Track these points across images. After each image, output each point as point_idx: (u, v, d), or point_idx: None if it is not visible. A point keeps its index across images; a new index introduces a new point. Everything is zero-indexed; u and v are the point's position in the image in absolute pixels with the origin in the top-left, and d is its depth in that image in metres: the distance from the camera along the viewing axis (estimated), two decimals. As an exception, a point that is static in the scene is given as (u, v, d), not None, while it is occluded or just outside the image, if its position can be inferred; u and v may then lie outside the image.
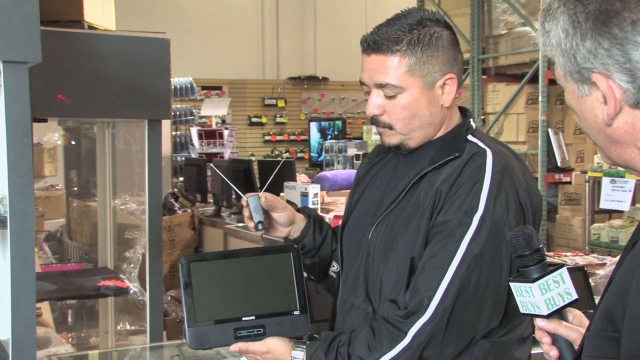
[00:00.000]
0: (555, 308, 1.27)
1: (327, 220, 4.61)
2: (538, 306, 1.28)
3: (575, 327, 1.31)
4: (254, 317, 1.69)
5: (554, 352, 1.30)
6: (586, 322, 1.32)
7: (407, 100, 1.68)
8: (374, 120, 1.74)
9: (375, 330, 1.60)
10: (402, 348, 1.56)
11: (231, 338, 1.68)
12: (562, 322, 1.30)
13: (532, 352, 1.79)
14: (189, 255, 1.73)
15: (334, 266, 1.90)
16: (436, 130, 1.73)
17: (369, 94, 1.73)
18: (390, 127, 1.71)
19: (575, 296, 1.29)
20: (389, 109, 1.69)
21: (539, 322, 1.30)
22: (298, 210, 1.96)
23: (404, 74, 1.67)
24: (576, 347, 1.28)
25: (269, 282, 1.74)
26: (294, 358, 1.65)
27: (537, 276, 1.26)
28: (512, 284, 1.31)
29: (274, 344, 1.67)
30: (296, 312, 1.71)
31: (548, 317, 1.28)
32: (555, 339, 1.30)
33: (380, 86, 1.69)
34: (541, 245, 1.29)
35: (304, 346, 1.65)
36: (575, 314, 1.34)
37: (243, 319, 1.69)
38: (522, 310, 1.31)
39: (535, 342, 1.48)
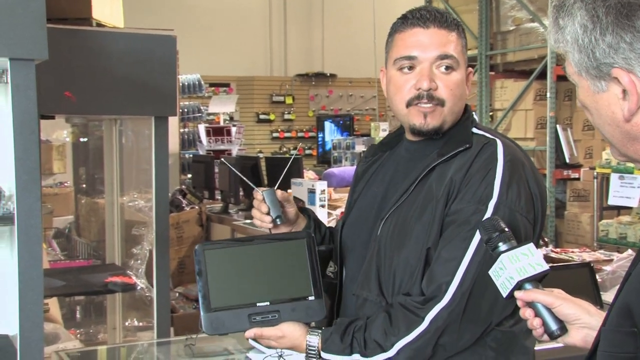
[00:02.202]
0: (527, 275, 1.37)
1: (333, 216, 4.63)
2: (512, 276, 1.38)
3: (550, 290, 1.37)
4: (268, 303, 1.69)
5: (537, 321, 1.36)
6: (567, 296, 1.39)
7: (460, 78, 1.72)
8: (426, 95, 1.68)
9: (392, 315, 1.61)
10: (419, 333, 1.57)
11: (246, 324, 1.68)
12: (537, 290, 1.36)
13: (536, 348, 1.80)
14: (203, 243, 1.75)
15: (331, 266, 1.90)
16: (456, 119, 1.74)
17: (410, 69, 1.69)
18: (442, 104, 1.70)
19: (546, 267, 1.38)
20: (444, 84, 1.69)
21: (517, 294, 1.38)
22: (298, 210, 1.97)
23: (460, 51, 1.72)
24: (553, 309, 1.36)
25: (283, 268, 1.74)
26: (309, 343, 1.65)
27: (505, 249, 1.40)
28: (490, 272, 1.42)
29: (289, 329, 1.67)
30: (311, 298, 1.72)
31: (522, 283, 1.37)
32: (536, 309, 1.37)
33: (443, 57, 1.68)
34: (507, 229, 1.43)
35: (319, 331, 1.66)
36: (554, 290, 1.39)
37: (257, 304, 1.69)
38: (503, 294, 1.39)
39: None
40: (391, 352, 1.58)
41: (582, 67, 1.12)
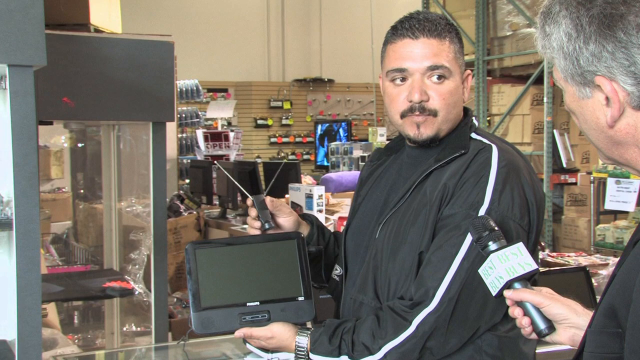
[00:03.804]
0: (516, 275, 1.39)
1: (331, 221, 4.63)
2: (501, 276, 1.39)
3: (538, 290, 1.40)
4: (258, 303, 1.71)
5: (525, 320, 1.39)
6: (556, 295, 1.41)
7: (453, 86, 1.71)
8: (417, 107, 1.69)
9: (381, 318, 1.62)
10: (406, 336, 1.59)
11: (236, 323, 1.70)
12: (526, 289, 1.39)
13: (537, 350, 1.81)
14: (194, 242, 1.76)
15: (336, 269, 1.91)
16: (454, 125, 1.75)
17: (402, 81, 1.70)
18: (435, 114, 1.70)
19: (535, 266, 1.41)
20: (437, 94, 1.69)
21: (506, 294, 1.40)
22: (301, 216, 1.98)
23: (453, 58, 1.71)
24: (542, 309, 1.38)
25: (273, 269, 1.76)
26: (298, 343, 1.67)
27: (495, 248, 1.42)
28: (480, 271, 1.43)
29: (278, 330, 1.69)
30: (300, 298, 1.73)
31: (511, 283, 1.39)
32: (525, 309, 1.39)
33: (433, 68, 1.68)
34: (497, 229, 1.44)
35: (308, 332, 1.68)
36: (542, 289, 1.42)
37: (248, 304, 1.71)
38: (493, 293, 1.41)
39: (540, 341, 1.52)
40: (378, 355, 1.60)
41: (568, 73, 1.14)
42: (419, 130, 1.71)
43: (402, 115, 1.72)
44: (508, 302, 1.41)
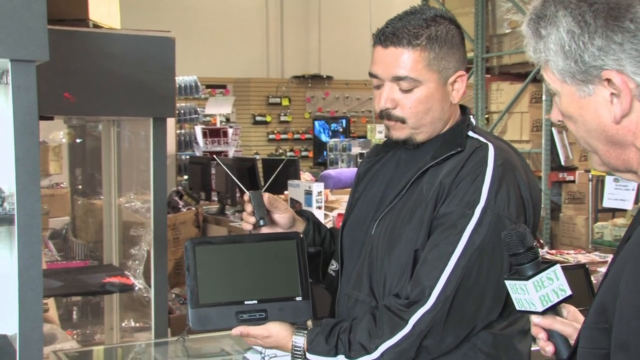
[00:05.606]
0: (549, 304, 1.30)
1: (330, 218, 4.64)
2: (533, 303, 1.30)
3: (570, 322, 1.34)
4: (256, 301, 1.71)
5: (549, 348, 1.33)
6: (581, 317, 1.36)
7: (424, 94, 1.70)
8: (384, 114, 1.73)
9: (377, 317, 1.63)
10: (402, 336, 1.59)
11: (233, 321, 1.70)
12: (556, 318, 1.33)
13: (532, 348, 1.81)
14: (194, 239, 1.76)
15: (332, 264, 1.92)
16: (444, 126, 1.75)
17: (379, 87, 1.73)
18: (403, 121, 1.72)
19: (569, 292, 1.31)
20: (404, 103, 1.70)
21: (534, 319, 1.33)
22: (297, 213, 1.98)
23: (423, 68, 1.69)
24: (572, 341, 1.32)
25: (272, 268, 1.76)
26: (295, 343, 1.67)
27: (531, 274, 1.29)
28: (507, 282, 1.34)
29: (275, 329, 1.69)
30: (298, 298, 1.73)
31: (543, 313, 1.31)
32: (551, 335, 1.33)
33: (398, 79, 1.69)
34: (535, 244, 1.32)
35: (305, 332, 1.68)
36: (570, 310, 1.37)
37: (245, 302, 1.71)
38: (517, 307, 1.34)
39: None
40: (375, 354, 1.60)
41: (567, 73, 1.13)
42: (390, 132, 1.76)
43: (380, 117, 1.77)
44: (532, 322, 1.35)
